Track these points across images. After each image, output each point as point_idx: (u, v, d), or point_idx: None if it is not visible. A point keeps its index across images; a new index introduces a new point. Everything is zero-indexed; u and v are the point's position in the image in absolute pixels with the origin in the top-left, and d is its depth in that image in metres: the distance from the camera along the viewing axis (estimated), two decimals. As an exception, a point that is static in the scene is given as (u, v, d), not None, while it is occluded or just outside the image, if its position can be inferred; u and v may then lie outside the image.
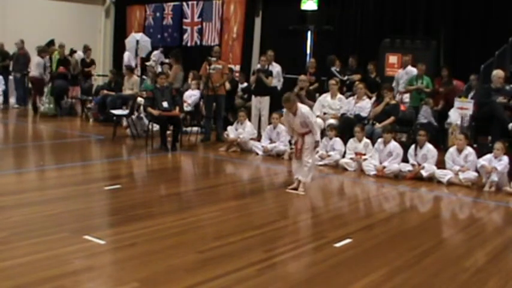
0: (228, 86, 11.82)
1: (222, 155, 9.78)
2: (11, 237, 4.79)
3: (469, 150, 8.17)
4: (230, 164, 9.30)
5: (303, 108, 7.11)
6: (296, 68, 12.80)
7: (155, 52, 14.73)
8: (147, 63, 14.02)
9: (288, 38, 14.39)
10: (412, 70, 11.31)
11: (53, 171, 7.90)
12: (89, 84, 14.69)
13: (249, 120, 10.69)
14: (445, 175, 8.09)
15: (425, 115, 10.58)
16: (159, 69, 13.03)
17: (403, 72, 11.43)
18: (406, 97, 10.90)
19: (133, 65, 14.08)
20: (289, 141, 9.85)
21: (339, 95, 10.53)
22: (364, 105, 10.02)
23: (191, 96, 12.21)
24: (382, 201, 7.31)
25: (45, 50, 14.62)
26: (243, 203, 6.52)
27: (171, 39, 17.14)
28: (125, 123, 11.31)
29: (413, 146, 8.55)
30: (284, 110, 7.29)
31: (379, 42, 12.30)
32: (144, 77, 13.67)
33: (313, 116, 7.48)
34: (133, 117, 11.05)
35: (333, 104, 10.35)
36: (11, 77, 15.74)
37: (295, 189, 7.09)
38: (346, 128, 9.62)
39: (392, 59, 12.02)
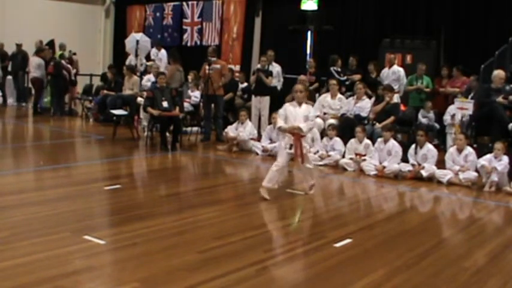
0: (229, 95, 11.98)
1: (222, 155, 9.78)
2: (11, 237, 4.78)
3: (469, 150, 8.17)
4: (230, 164, 9.30)
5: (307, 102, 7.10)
6: (296, 68, 12.81)
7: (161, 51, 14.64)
8: (148, 63, 14.03)
9: (288, 38, 14.39)
10: (399, 70, 11.27)
11: (53, 171, 7.90)
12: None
13: (249, 120, 10.70)
14: (445, 175, 8.09)
15: (422, 119, 10.68)
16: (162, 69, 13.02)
17: (388, 71, 11.37)
18: (396, 97, 10.78)
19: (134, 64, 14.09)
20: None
21: (339, 95, 10.53)
22: (364, 105, 10.02)
23: (192, 96, 12.23)
24: (382, 201, 7.31)
25: (43, 50, 14.67)
26: (243, 203, 6.52)
27: (171, 39, 17.14)
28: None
29: (413, 146, 8.55)
30: (288, 103, 6.99)
31: (379, 42, 12.30)
32: (144, 77, 13.66)
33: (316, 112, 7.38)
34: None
35: (333, 104, 10.35)
36: (9, 77, 15.77)
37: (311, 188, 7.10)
38: (346, 128, 9.62)
39: (393, 58, 12.00)
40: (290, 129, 6.72)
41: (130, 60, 14.51)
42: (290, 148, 6.71)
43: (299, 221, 6.21)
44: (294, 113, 6.77)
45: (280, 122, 6.82)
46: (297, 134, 6.71)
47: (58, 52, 15.23)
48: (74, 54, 15.31)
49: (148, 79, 12.54)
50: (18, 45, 15.30)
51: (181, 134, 10.24)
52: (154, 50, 14.43)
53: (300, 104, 6.82)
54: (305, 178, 7.18)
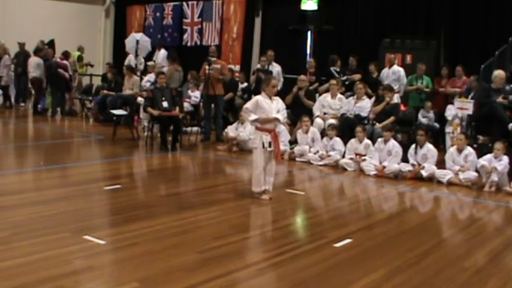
0: (229, 95, 12.01)
1: (222, 155, 9.78)
2: (11, 237, 4.78)
3: (469, 150, 8.17)
4: (230, 164, 9.30)
5: None
6: (296, 68, 12.81)
7: (160, 51, 14.67)
8: (148, 63, 14.07)
9: (288, 38, 14.41)
10: (399, 70, 11.27)
11: (53, 171, 7.90)
12: None
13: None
14: (445, 175, 8.09)
15: (422, 119, 10.70)
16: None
17: (388, 71, 11.36)
18: (396, 97, 10.63)
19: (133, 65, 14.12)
20: (290, 141, 9.87)
21: (339, 95, 10.52)
22: (364, 105, 10.02)
23: (192, 96, 12.25)
24: (382, 201, 7.31)
25: (42, 50, 14.70)
26: (243, 203, 6.52)
27: (171, 39, 17.14)
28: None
29: (413, 146, 8.55)
30: (259, 97, 6.64)
31: (379, 42, 12.30)
32: (144, 77, 13.68)
33: None
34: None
35: (333, 104, 10.35)
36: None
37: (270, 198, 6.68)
38: (346, 128, 9.62)
39: (393, 58, 11.98)
40: (269, 120, 6.53)
41: (130, 60, 14.53)
42: (270, 146, 6.50)
43: (304, 221, 6.23)
44: (269, 107, 6.56)
45: (253, 116, 6.54)
46: (274, 130, 6.60)
47: (76, 53, 15.41)
48: (92, 65, 15.56)
49: (148, 79, 12.55)
50: (21, 45, 15.28)
51: (181, 134, 10.24)
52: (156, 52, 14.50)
53: (271, 98, 6.64)
54: (269, 179, 6.63)
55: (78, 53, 15.58)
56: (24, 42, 15.31)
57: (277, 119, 6.57)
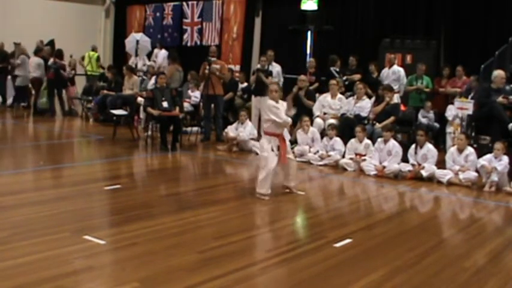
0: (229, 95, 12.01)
1: (222, 155, 9.78)
2: (11, 237, 4.78)
3: (469, 150, 8.17)
4: (230, 164, 9.30)
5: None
6: (296, 68, 12.81)
7: (161, 52, 14.67)
8: (148, 63, 14.07)
9: (288, 38, 14.40)
10: (399, 70, 11.27)
11: (53, 171, 7.90)
12: None
13: (249, 119, 10.69)
14: (445, 175, 8.09)
15: (422, 119, 10.69)
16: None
17: (388, 71, 11.36)
18: (396, 97, 10.58)
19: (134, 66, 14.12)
20: (290, 141, 9.85)
21: (339, 95, 10.52)
22: (364, 105, 10.01)
23: (192, 96, 12.25)
24: (382, 201, 7.31)
25: (42, 50, 14.69)
26: (243, 203, 6.52)
27: (171, 39, 17.14)
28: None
29: (413, 146, 8.55)
30: (270, 101, 6.74)
31: (379, 42, 12.30)
32: (144, 77, 13.69)
33: None
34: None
35: (333, 104, 10.35)
36: (9, 77, 15.74)
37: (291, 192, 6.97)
38: (346, 128, 9.62)
39: (393, 58, 11.97)
40: (282, 124, 6.71)
41: (133, 61, 14.52)
42: (278, 149, 6.61)
43: (304, 221, 6.23)
44: (280, 110, 6.68)
45: (284, 115, 6.64)
46: (281, 134, 6.72)
47: (95, 54, 15.44)
48: (103, 68, 15.69)
49: (153, 84, 12.52)
50: (17, 44, 15.26)
51: (181, 134, 10.24)
52: (156, 50, 14.47)
53: (277, 102, 6.73)
54: (288, 178, 6.95)
55: (97, 54, 15.71)
56: (19, 42, 15.28)
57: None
